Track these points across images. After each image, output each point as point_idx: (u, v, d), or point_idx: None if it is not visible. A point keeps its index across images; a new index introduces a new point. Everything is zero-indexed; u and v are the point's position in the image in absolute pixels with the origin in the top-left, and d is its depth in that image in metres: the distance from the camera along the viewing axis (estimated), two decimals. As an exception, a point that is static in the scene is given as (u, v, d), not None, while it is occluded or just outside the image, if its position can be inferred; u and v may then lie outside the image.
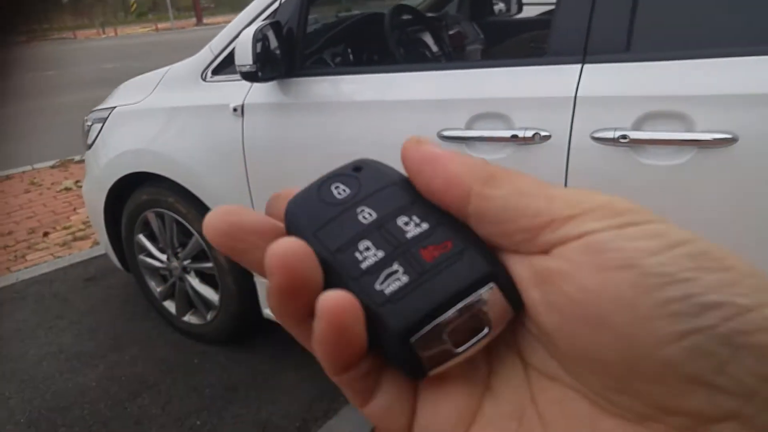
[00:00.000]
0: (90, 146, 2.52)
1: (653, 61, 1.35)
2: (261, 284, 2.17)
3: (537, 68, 1.50)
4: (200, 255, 2.31)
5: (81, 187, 4.52)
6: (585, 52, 1.42)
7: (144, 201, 2.34)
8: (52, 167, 5.28)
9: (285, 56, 1.81)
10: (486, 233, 0.22)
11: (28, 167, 5.25)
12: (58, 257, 3.42)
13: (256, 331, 2.41)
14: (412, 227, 0.23)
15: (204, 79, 2.08)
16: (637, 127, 1.34)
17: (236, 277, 2.20)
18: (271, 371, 2.27)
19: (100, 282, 3.09)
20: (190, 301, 2.46)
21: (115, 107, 2.38)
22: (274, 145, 1.91)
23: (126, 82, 2.58)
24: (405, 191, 0.24)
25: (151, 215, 2.37)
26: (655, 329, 0.18)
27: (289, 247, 0.21)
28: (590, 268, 0.19)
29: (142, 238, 2.47)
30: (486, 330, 0.21)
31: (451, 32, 2.67)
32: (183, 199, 2.20)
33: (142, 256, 2.51)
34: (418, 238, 0.23)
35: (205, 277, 2.37)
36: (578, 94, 1.40)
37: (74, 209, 4.18)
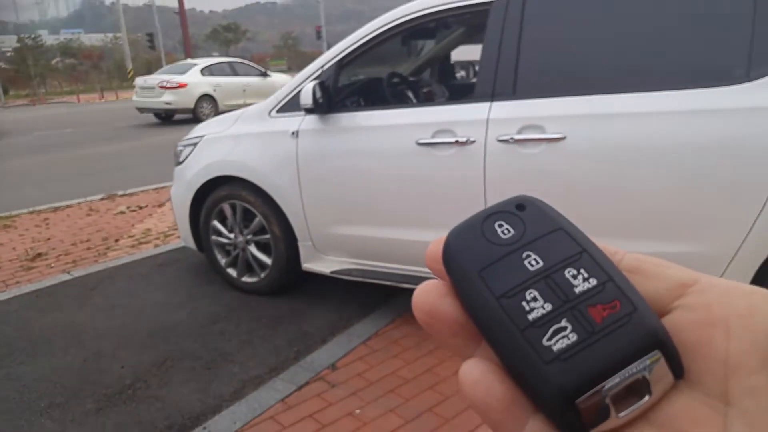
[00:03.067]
0: (180, 163, 3.72)
1: (525, 99, 2.60)
2: (303, 247, 3.33)
3: (468, 105, 2.75)
4: (259, 231, 3.47)
5: (133, 211, 5.69)
6: (493, 94, 2.66)
7: (222, 196, 3.52)
8: (101, 199, 6.43)
9: (325, 101, 3.04)
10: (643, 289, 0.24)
11: (82, 199, 6.40)
12: (132, 254, 4.53)
13: (294, 284, 3.54)
14: (581, 281, 0.23)
15: (270, 116, 3.31)
16: (519, 133, 2.57)
17: (286, 244, 3.36)
18: (306, 307, 3.40)
19: (169, 266, 4.21)
20: (249, 266, 3.60)
21: (203, 135, 3.60)
22: (317, 155, 3.12)
23: (206, 121, 3.80)
24: (572, 239, 0.25)
25: (225, 206, 3.54)
26: None
27: (426, 300, 0.25)
28: None
29: (216, 223, 3.63)
30: (647, 397, 0.22)
31: (425, 90, 3.96)
32: (251, 193, 3.39)
33: (214, 237, 3.67)
34: (586, 295, 0.23)
35: (260, 247, 3.52)
36: (489, 117, 2.64)
37: (132, 225, 5.31)
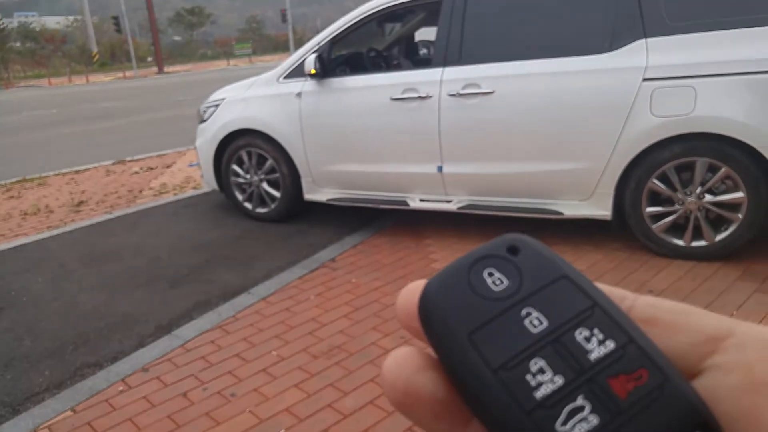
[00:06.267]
0: (204, 121, 4.74)
1: (468, 65, 3.71)
2: (305, 182, 4.40)
3: (427, 70, 3.86)
4: (270, 171, 4.53)
5: (146, 171, 6.66)
6: (445, 62, 3.77)
7: (241, 144, 4.56)
8: (113, 164, 7.36)
9: (322, 69, 4.10)
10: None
11: (97, 164, 7.32)
12: (156, 201, 5.54)
13: (298, 212, 4.62)
14: (596, 345, 0.19)
15: (278, 81, 4.35)
16: (463, 89, 3.68)
17: (292, 180, 4.43)
18: (309, 227, 4.49)
19: (192, 207, 5.24)
20: (262, 200, 4.66)
21: (224, 98, 4.62)
22: (315, 110, 4.19)
23: (224, 87, 4.82)
24: (578, 289, 0.20)
25: (243, 153, 4.58)
26: None
27: (400, 376, 0.20)
28: None
29: (235, 166, 4.67)
30: None
31: (394, 62, 5.06)
32: (265, 142, 4.44)
33: (233, 177, 4.71)
34: (604, 362, 0.19)
35: (271, 184, 4.59)
36: (443, 78, 3.75)
37: (149, 181, 6.29)
